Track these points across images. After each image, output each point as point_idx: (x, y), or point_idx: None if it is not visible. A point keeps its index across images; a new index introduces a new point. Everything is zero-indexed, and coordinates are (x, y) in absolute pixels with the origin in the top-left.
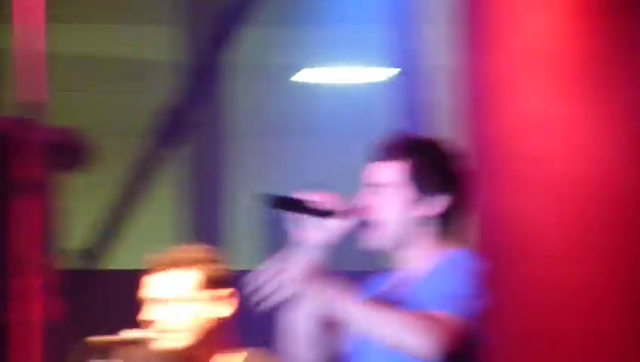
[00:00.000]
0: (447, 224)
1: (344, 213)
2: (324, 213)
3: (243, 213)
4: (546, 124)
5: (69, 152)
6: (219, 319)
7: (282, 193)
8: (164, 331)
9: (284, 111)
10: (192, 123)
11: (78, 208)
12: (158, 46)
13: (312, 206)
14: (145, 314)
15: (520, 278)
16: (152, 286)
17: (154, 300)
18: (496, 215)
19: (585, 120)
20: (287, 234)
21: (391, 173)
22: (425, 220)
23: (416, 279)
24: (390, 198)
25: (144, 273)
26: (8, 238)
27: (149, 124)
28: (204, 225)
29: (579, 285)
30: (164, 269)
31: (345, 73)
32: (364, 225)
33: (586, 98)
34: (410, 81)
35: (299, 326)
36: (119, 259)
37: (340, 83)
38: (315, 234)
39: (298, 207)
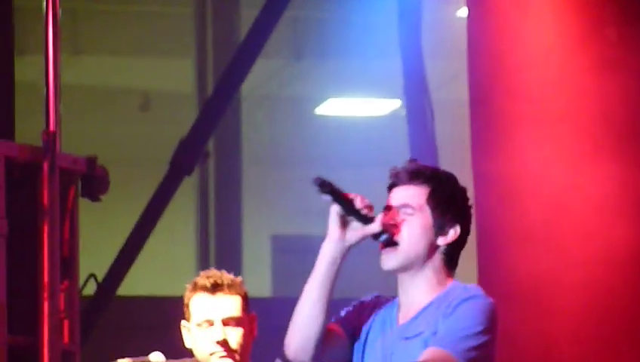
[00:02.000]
0: (453, 254)
1: (381, 225)
2: (366, 218)
3: (260, 241)
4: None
5: (90, 181)
6: (251, 342)
7: (337, 185)
8: (215, 351)
9: (305, 141)
10: (208, 153)
11: (97, 236)
12: (177, 77)
13: (356, 208)
14: (197, 335)
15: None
16: (202, 308)
17: (205, 321)
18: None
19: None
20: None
21: (412, 196)
22: (437, 247)
23: (415, 310)
24: (410, 219)
25: (162, 299)
26: (34, 264)
27: (167, 154)
28: (221, 253)
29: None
30: (212, 292)
31: (362, 104)
32: (386, 244)
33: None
34: (417, 114)
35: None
36: (137, 286)
37: (358, 115)
38: (350, 235)
39: (344, 202)
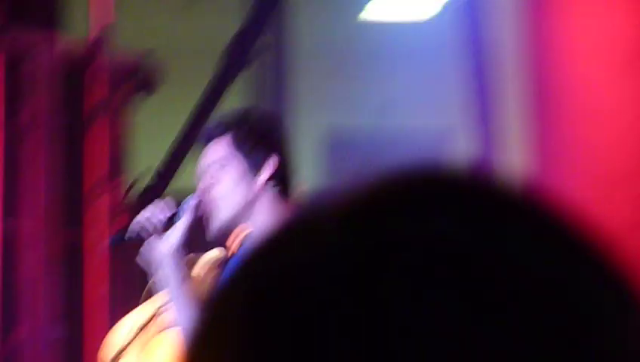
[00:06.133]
0: (282, 183)
1: (179, 215)
2: (159, 229)
3: (306, 138)
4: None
5: (140, 75)
6: None
7: (118, 235)
8: None
9: (347, 47)
10: (260, 46)
11: (149, 130)
12: None
13: (146, 229)
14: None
15: None
16: None
17: None
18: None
19: None
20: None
21: (216, 150)
22: (262, 185)
23: None
24: (221, 174)
25: None
26: (82, 161)
27: (220, 47)
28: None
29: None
30: None
31: (403, 8)
32: (207, 213)
33: None
34: (469, 15)
35: None
36: (189, 179)
37: (404, 19)
38: (164, 246)
39: (138, 236)
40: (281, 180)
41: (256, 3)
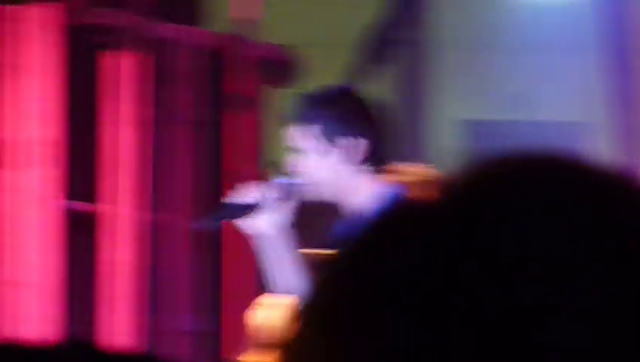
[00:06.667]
0: (374, 162)
1: (271, 201)
2: (253, 206)
3: (449, 127)
4: None
5: (280, 67)
6: None
7: (214, 213)
8: None
9: (494, 25)
10: (401, 40)
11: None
12: None
13: (244, 206)
14: None
15: None
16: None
17: None
18: None
19: None
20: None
21: (305, 139)
22: (353, 168)
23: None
24: (312, 162)
25: None
26: (222, 152)
27: (359, 39)
28: (408, 141)
29: None
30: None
31: None
32: (304, 185)
33: None
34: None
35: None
36: None
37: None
38: (262, 225)
39: (243, 208)
40: (375, 161)
41: None
